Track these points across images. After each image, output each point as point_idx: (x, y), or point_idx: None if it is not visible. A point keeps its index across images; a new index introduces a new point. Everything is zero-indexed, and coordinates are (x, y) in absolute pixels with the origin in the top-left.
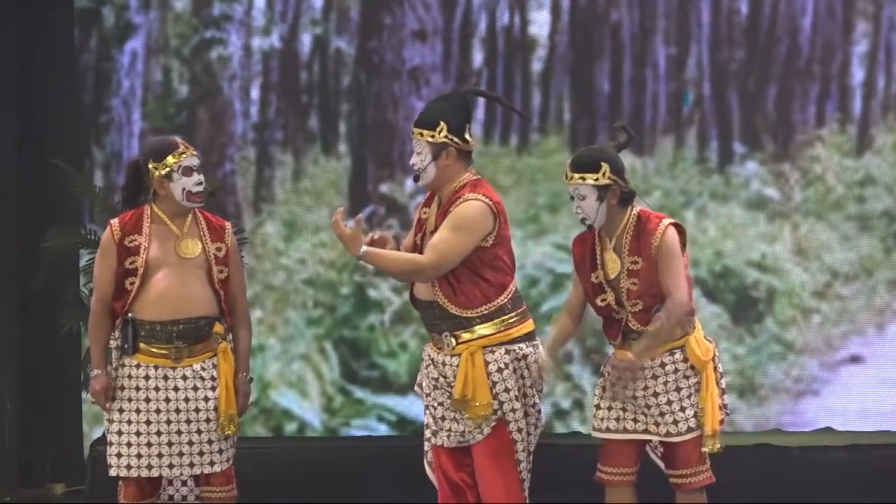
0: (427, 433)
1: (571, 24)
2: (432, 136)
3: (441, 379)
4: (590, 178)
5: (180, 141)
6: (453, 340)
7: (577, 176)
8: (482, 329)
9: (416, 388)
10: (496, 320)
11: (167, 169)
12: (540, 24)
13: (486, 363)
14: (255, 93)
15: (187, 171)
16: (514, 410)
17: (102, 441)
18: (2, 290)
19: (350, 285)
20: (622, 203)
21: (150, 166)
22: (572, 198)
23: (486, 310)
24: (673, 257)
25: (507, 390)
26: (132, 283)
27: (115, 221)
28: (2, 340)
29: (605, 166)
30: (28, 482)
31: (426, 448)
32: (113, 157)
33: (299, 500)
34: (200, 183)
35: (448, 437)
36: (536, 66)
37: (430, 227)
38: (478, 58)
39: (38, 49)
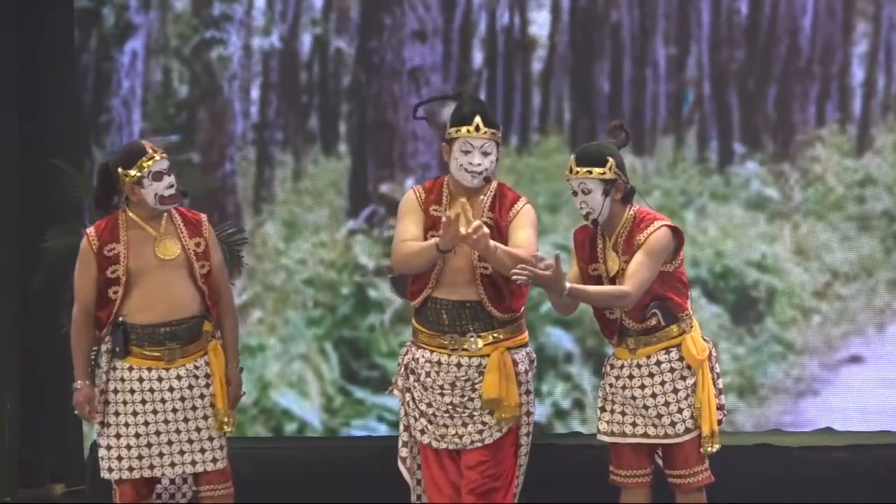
0: (405, 436)
1: (571, 24)
2: (499, 136)
3: (459, 382)
4: (596, 172)
5: (148, 145)
6: (480, 342)
7: (583, 169)
8: (505, 331)
9: (394, 391)
10: (518, 323)
11: (137, 175)
12: (540, 24)
13: (515, 363)
14: (255, 93)
15: (157, 176)
16: (528, 413)
17: None
18: (2, 290)
19: (350, 285)
20: (624, 200)
21: (121, 172)
22: (575, 193)
23: (517, 313)
24: (648, 254)
25: (528, 392)
26: (115, 293)
27: (90, 230)
28: (2, 340)
29: (610, 160)
30: (28, 482)
31: (404, 454)
32: None
33: (299, 500)
34: (172, 185)
35: (459, 438)
36: (536, 66)
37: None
38: (478, 58)
39: (38, 49)
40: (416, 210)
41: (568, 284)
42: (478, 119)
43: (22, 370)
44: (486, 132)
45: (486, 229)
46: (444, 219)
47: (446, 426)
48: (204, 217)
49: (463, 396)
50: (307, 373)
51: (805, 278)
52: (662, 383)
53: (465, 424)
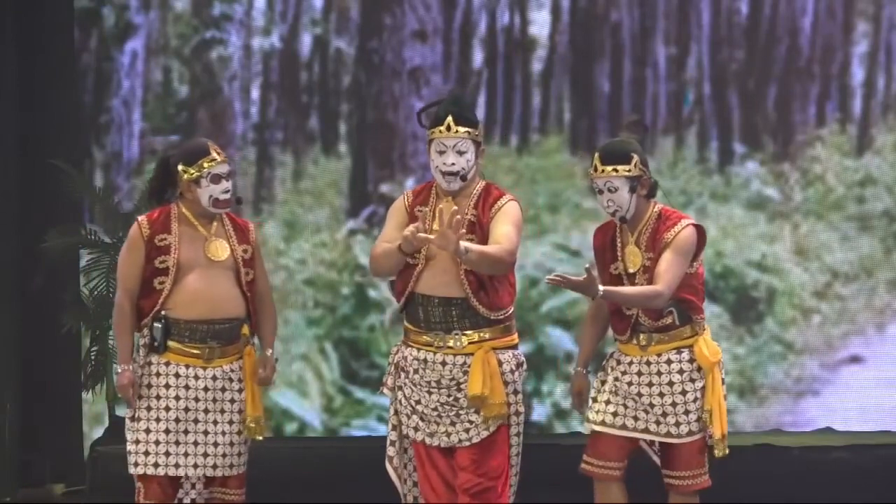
0: (393, 435)
1: (571, 24)
2: (477, 135)
3: (444, 380)
4: (622, 169)
5: (212, 147)
6: (465, 339)
7: (609, 168)
8: (493, 331)
9: (384, 390)
10: (506, 324)
11: (196, 174)
12: (540, 24)
13: (500, 363)
14: (255, 93)
15: (216, 179)
16: (517, 413)
17: (102, 441)
18: (2, 290)
19: (350, 285)
20: (648, 196)
21: (180, 168)
22: (600, 191)
23: (504, 313)
24: (677, 253)
25: (515, 392)
26: (162, 283)
27: (142, 218)
28: (2, 341)
29: (635, 157)
30: (28, 482)
31: (392, 453)
32: (113, 157)
33: (299, 500)
34: (228, 191)
35: (448, 436)
36: (536, 66)
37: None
38: (478, 58)
39: (38, 49)
40: (400, 213)
41: (601, 287)
42: (449, 119)
43: (22, 370)
44: (458, 131)
45: (452, 235)
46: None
47: (436, 424)
48: (251, 224)
49: (449, 395)
50: (307, 373)
51: (805, 278)
52: (671, 384)
53: (453, 423)
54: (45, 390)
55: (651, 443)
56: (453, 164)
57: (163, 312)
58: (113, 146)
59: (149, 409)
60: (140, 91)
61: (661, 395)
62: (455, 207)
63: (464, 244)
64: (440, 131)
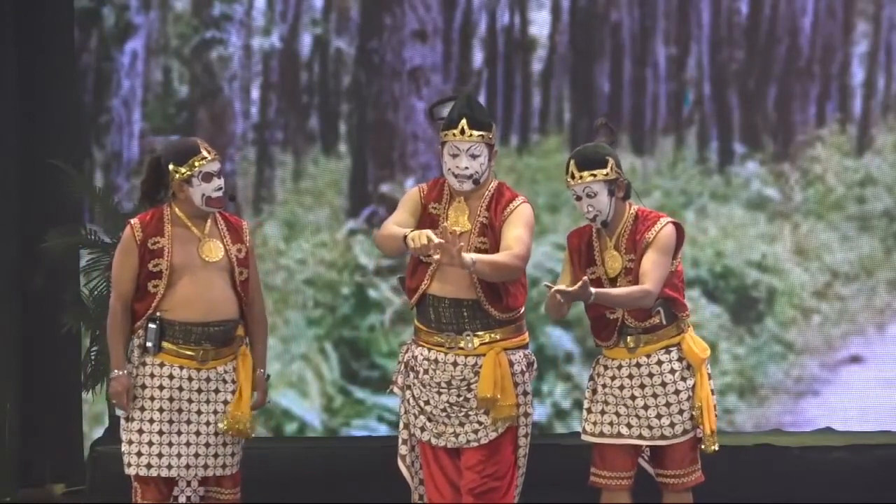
0: (405, 433)
1: (571, 24)
2: (491, 138)
3: (455, 381)
4: (600, 174)
5: (202, 144)
6: (476, 340)
7: (586, 174)
8: (504, 331)
9: (394, 389)
10: (517, 324)
11: (187, 173)
12: (540, 24)
13: (511, 364)
14: (255, 93)
15: (207, 177)
16: (526, 415)
17: (102, 441)
18: (2, 290)
19: (350, 285)
20: (624, 197)
21: (171, 168)
22: (579, 198)
23: (516, 313)
24: (660, 252)
25: (525, 393)
26: (156, 286)
27: (135, 221)
28: (2, 341)
29: (611, 160)
30: (28, 482)
31: (404, 451)
32: (113, 157)
33: (299, 500)
34: (220, 188)
35: (456, 437)
36: (536, 66)
37: (463, 227)
38: (478, 58)
39: (38, 49)
40: (414, 203)
41: (593, 290)
42: (463, 122)
43: (22, 370)
44: (472, 135)
45: (451, 248)
46: (440, 228)
47: (444, 424)
48: (245, 223)
49: (459, 396)
50: (307, 373)
51: (805, 278)
52: (663, 384)
53: (461, 424)
54: (45, 390)
55: (642, 450)
56: (466, 167)
57: (157, 314)
58: (113, 146)
59: (142, 409)
60: (140, 91)
61: (655, 395)
62: (446, 224)
63: (470, 257)
64: (454, 134)
